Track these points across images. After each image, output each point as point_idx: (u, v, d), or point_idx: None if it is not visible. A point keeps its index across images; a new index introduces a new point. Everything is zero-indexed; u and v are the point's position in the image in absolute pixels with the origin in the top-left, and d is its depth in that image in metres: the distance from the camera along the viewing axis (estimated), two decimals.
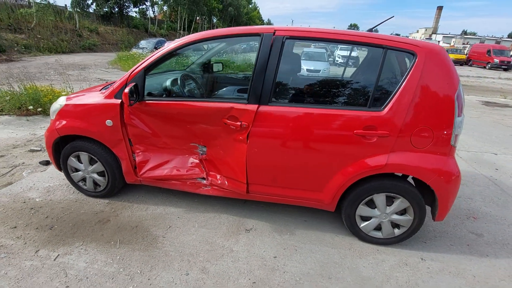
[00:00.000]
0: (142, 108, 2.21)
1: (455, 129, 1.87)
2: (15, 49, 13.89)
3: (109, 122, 2.27)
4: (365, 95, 1.98)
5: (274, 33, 1.94)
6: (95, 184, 2.57)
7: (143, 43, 16.74)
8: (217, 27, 38.21)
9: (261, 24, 58.06)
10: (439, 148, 1.91)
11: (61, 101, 2.43)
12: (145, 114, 2.25)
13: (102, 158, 2.41)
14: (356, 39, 1.91)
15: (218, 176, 2.34)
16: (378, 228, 2.18)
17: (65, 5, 19.01)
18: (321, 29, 1.98)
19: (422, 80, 1.83)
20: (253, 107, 1.98)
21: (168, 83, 2.35)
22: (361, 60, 2.56)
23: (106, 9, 22.47)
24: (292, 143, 2.01)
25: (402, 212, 2.09)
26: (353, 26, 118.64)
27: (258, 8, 54.93)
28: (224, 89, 3.08)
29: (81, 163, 2.50)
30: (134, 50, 15.28)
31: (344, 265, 2.01)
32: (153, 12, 26.90)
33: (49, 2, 17.62)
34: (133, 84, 2.07)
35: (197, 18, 29.22)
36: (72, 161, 2.51)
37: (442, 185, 1.92)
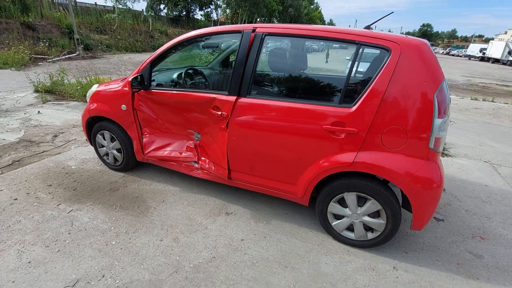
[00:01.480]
0: (148, 96, 2.57)
1: (434, 131, 1.74)
2: (99, 47, 16.44)
3: (123, 107, 2.69)
4: (337, 91, 1.98)
5: (254, 30, 2.08)
6: (115, 159, 3.06)
7: None
8: None
9: (321, 25, 56.90)
10: (414, 151, 1.80)
11: (94, 88, 2.96)
12: (150, 102, 2.60)
13: (119, 137, 2.87)
14: (330, 35, 1.92)
15: (207, 161, 2.57)
16: (352, 228, 2.14)
17: (142, 9, 21.62)
18: (297, 25, 2.04)
19: (395, 77, 1.75)
20: (232, 98, 2.15)
21: (171, 75, 2.68)
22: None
23: (176, 13, 24.87)
24: (267, 134, 2.12)
25: (376, 215, 2.01)
26: (426, 26, 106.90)
27: (320, 9, 53.74)
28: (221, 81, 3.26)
29: (105, 140, 3.01)
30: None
31: (306, 258, 2.04)
32: (217, 14, 28.73)
33: (129, 8, 20.25)
34: (138, 75, 2.44)
35: (257, 19, 30.09)
36: (99, 138, 3.03)
37: (416, 190, 1.81)
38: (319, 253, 2.10)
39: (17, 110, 5.33)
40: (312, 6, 49.20)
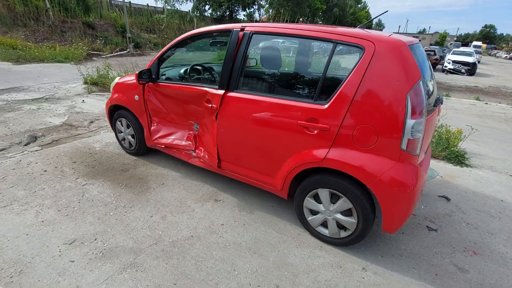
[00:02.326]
0: (156, 88, 2.86)
1: (406, 132, 1.71)
2: (147, 46, 17.82)
3: (136, 97, 3.02)
4: (313, 89, 2.02)
5: (242, 29, 2.22)
6: (130, 144, 3.43)
7: None
8: None
9: (369, 25, 54.05)
10: (385, 151, 1.78)
11: (116, 80, 3.35)
12: (157, 93, 2.89)
13: (133, 124, 3.21)
14: (308, 34, 1.97)
15: (202, 150, 2.78)
16: (327, 225, 2.16)
17: (188, 10, 22.90)
18: (282, 24, 2.12)
19: (367, 76, 1.75)
20: (221, 92, 2.31)
21: (176, 70, 2.93)
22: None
23: (220, 13, 25.83)
24: (250, 127, 2.24)
25: (348, 213, 2.02)
26: (489, 28, 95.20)
27: (367, 8, 51.13)
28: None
29: (122, 126, 3.39)
30: None
31: (276, 248, 2.13)
32: (259, 15, 29.09)
33: (177, 9, 21.58)
34: (146, 69, 2.73)
35: (300, 19, 29.83)
36: (118, 124, 3.43)
37: (384, 191, 1.79)
38: (291, 245, 2.17)
39: (66, 98, 6.14)
40: (359, 5, 47.08)
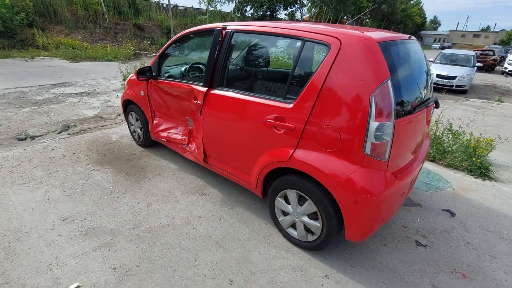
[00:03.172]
0: (156, 84, 3.05)
1: (369, 135, 1.61)
2: None
3: (141, 93, 3.26)
4: (283, 87, 1.98)
5: (224, 28, 2.26)
6: (138, 136, 3.71)
7: None
8: (364, 26, 36.01)
9: (421, 22, 49.72)
10: (348, 154, 1.69)
11: (129, 76, 3.65)
12: (158, 89, 3.08)
13: (140, 117, 3.47)
14: (280, 31, 1.94)
15: (194, 145, 2.89)
16: (296, 227, 2.12)
17: (230, 11, 23.52)
18: (260, 22, 2.12)
19: (332, 75, 1.68)
20: (204, 89, 2.40)
21: (175, 68, 3.08)
22: None
23: (261, 13, 26.02)
24: (228, 124, 2.29)
25: (314, 216, 1.95)
26: None
27: (421, 4, 46.92)
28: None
29: (133, 120, 3.68)
30: None
31: (243, 245, 2.15)
32: (301, 14, 28.64)
33: (219, 10, 22.33)
34: (146, 66, 2.93)
35: (344, 17, 28.67)
36: (130, 117, 3.73)
37: (345, 195, 1.70)
38: (259, 243, 2.17)
39: (104, 93, 6.80)
40: (411, 1, 43.44)
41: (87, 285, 1.77)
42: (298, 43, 1.88)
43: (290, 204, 2.07)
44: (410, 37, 2.02)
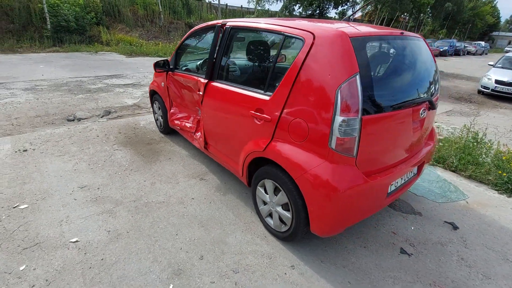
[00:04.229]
0: (172, 76, 3.35)
1: (334, 130, 1.62)
2: None
3: (162, 84, 3.60)
4: (265, 80, 2.05)
5: (224, 25, 2.41)
6: (160, 123, 4.08)
7: None
8: (424, 25, 32.99)
9: (494, 22, 43.74)
10: (315, 148, 1.72)
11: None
12: (174, 81, 3.37)
13: (161, 106, 3.83)
14: (266, 27, 2.01)
15: (199, 133, 3.12)
16: (272, 217, 2.19)
17: (278, 10, 23.65)
18: (254, 19, 2.21)
19: (304, 69, 1.72)
20: (205, 81, 2.59)
21: (191, 61, 3.33)
22: None
23: (310, 12, 25.65)
24: (222, 114, 2.45)
25: (287, 207, 2.01)
26: None
27: (494, 2, 41.01)
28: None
29: (156, 108, 4.06)
30: None
31: (223, 227, 2.29)
32: (352, 12, 27.46)
33: (267, 9, 22.61)
34: (163, 59, 3.23)
35: (401, 16, 26.71)
36: (154, 106, 4.12)
37: (309, 188, 1.73)
38: (238, 228, 2.29)
39: (147, 85, 7.49)
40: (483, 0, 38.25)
41: (83, 241, 2.09)
42: (280, 38, 1.94)
43: (268, 194, 2.15)
44: (402, 33, 1.93)
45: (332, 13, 26.94)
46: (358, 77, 1.57)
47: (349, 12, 27.66)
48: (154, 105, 4.11)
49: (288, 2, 23.24)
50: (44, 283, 1.76)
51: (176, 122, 3.53)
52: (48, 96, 5.90)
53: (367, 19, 28.36)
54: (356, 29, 1.73)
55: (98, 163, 3.20)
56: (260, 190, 2.22)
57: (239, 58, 2.44)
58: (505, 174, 2.94)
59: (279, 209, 2.05)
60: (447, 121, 5.81)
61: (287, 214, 1.99)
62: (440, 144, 3.78)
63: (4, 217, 2.30)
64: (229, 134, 2.43)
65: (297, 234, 1.96)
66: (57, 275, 1.81)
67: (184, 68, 3.35)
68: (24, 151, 3.40)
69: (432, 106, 2.01)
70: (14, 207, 2.42)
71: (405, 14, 26.42)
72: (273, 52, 1.98)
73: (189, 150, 3.63)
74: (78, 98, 5.88)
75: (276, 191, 2.07)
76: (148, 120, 4.70)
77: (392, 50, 1.84)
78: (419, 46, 2.09)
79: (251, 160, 2.20)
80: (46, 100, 5.60)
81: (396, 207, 2.66)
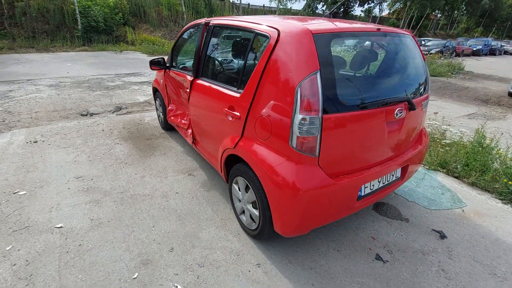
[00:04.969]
0: (169, 74, 3.44)
1: (294, 128, 1.59)
2: None
3: (161, 82, 3.72)
4: (239, 78, 2.04)
5: (207, 23, 2.44)
6: (161, 120, 4.21)
7: None
8: (458, 23, 30.89)
9: None
10: (277, 146, 1.70)
11: None
12: (170, 78, 3.47)
13: (161, 104, 3.95)
14: (241, 25, 2.01)
15: (190, 129, 3.18)
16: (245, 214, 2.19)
17: (301, 8, 23.35)
18: (234, 17, 2.21)
19: (268, 66, 1.70)
20: (191, 78, 2.64)
21: (185, 59, 3.40)
22: None
23: (334, 10, 25.06)
24: (203, 111, 2.50)
25: (256, 206, 2.00)
26: None
27: None
28: None
29: (157, 105, 4.19)
30: None
31: (199, 222, 2.33)
32: (379, 10, 26.40)
33: (290, 8, 22.42)
34: (159, 57, 3.33)
35: (431, 13, 25.25)
36: (156, 103, 4.26)
37: (270, 186, 1.72)
38: (213, 224, 2.32)
39: None
40: None
41: (67, 227, 2.23)
42: (252, 35, 1.94)
43: (240, 191, 2.16)
44: (378, 29, 1.83)
45: (358, 11, 26.06)
46: (318, 74, 1.53)
47: (376, 10, 26.67)
48: (156, 102, 4.25)
49: (311, 0, 22.88)
50: (24, 263, 1.90)
51: (173, 118, 3.62)
52: (69, 92, 6.30)
53: (395, 17, 27.14)
54: (325, 25, 1.68)
55: (97, 156, 3.38)
56: (235, 187, 2.23)
57: (222, 56, 2.46)
58: (510, 183, 2.70)
59: (250, 207, 2.05)
60: (465, 124, 5.43)
61: (256, 212, 1.98)
62: (447, 148, 3.55)
63: (3, 201, 2.50)
64: (210, 130, 2.46)
65: (264, 232, 1.95)
66: (36, 257, 1.95)
67: (178, 66, 3.44)
68: (34, 142, 3.67)
69: (412, 107, 1.90)
70: (14, 193, 2.62)
71: (436, 11, 24.91)
72: (251, 50, 1.97)
73: (185, 147, 3.71)
74: (95, 95, 6.23)
75: (247, 188, 2.06)
76: (153, 116, 4.87)
77: (364, 47, 1.76)
78: (403, 43, 1.99)
79: (226, 157, 2.21)
80: (66, 96, 5.99)
81: (382, 211, 2.54)
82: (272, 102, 1.69)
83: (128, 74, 8.72)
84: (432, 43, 19.49)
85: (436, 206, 2.61)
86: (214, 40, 2.42)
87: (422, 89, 2.09)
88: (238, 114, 1.94)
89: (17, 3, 13.33)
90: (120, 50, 13.80)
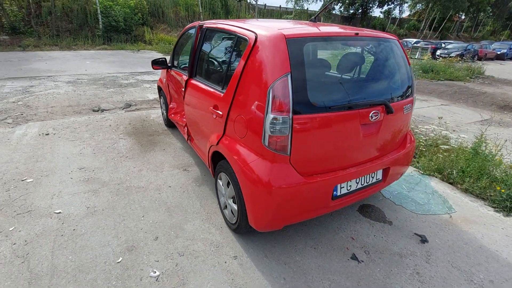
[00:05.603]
0: (170, 73, 3.60)
1: (266, 128, 1.67)
2: None
3: (164, 80, 3.88)
4: (223, 78, 2.13)
5: (201, 26, 2.56)
6: (164, 117, 4.39)
7: None
8: (483, 26, 29.55)
9: None
10: (252, 144, 1.79)
11: None
12: (171, 78, 3.62)
13: (164, 102, 4.12)
14: (226, 28, 2.10)
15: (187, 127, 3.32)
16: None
17: (318, 9, 23.18)
18: (226, 20, 2.31)
19: (246, 67, 1.79)
20: (186, 77, 2.77)
21: (181, 60, 3.53)
22: None
23: (352, 11, 24.67)
24: (195, 110, 2.61)
25: (235, 201, 2.09)
26: None
27: None
28: None
29: (161, 103, 4.37)
30: None
31: (186, 215, 2.45)
32: (400, 11, 25.69)
33: (306, 8, 22.33)
34: (160, 57, 3.49)
35: (455, 15, 24.29)
36: (160, 101, 4.44)
37: (244, 182, 1.81)
38: (199, 217, 2.43)
39: None
40: None
41: (65, 213, 2.41)
42: (235, 38, 2.03)
43: (223, 187, 2.26)
44: (357, 34, 1.87)
45: (377, 12, 25.54)
46: (289, 77, 1.60)
47: (396, 11, 26.00)
48: (160, 99, 4.43)
49: (327, 1, 22.65)
50: (23, 243, 2.09)
51: (173, 116, 3.78)
52: (84, 89, 6.64)
53: (415, 18, 26.30)
54: (301, 30, 1.75)
55: (101, 149, 3.59)
56: (219, 182, 2.33)
57: (211, 58, 2.57)
58: (503, 190, 2.63)
59: (230, 201, 2.14)
60: (473, 130, 5.27)
61: (235, 207, 2.07)
62: (445, 154, 3.49)
63: (12, 187, 2.74)
64: (200, 128, 2.58)
65: (242, 226, 2.04)
66: (35, 238, 2.14)
67: (177, 65, 3.59)
68: (46, 135, 3.94)
69: (389, 110, 1.92)
70: (23, 180, 2.85)
71: (460, 13, 23.94)
72: (234, 52, 2.07)
73: (184, 143, 3.86)
74: (109, 92, 6.53)
75: (229, 184, 2.16)
76: (158, 114, 5.06)
77: (340, 51, 1.81)
78: (384, 48, 2.01)
79: (212, 154, 2.32)
80: (81, 92, 6.32)
81: (367, 213, 2.56)
82: (248, 102, 1.77)
83: (142, 72, 9.04)
84: (453, 46, 18.78)
85: (423, 211, 2.60)
86: (206, 42, 2.54)
87: (404, 93, 2.10)
88: (220, 112, 2.04)
89: (43, 3, 14.11)
90: (138, 49, 14.29)
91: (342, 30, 1.89)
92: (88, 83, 7.23)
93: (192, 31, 2.98)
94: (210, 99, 2.24)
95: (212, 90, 2.24)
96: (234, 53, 2.03)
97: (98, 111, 5.21)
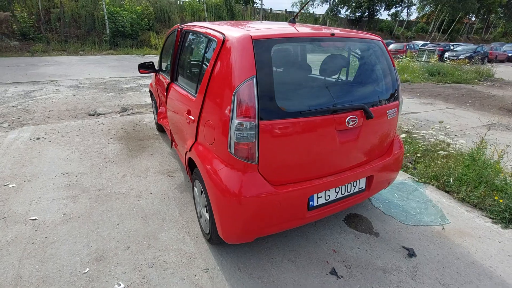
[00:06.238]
0: (157, 77, 3.55)
1: (231, 134, 1.57)
2: None
3: (154, 85, 3.84)
4: (196, 82, 2.05)
5: (181, 29, 2.50)
6: (156, 121, 4.34)
7: None
8: (494, 27, 28.77)
9: None
10: (218, 152, 1.70)
11: None
12: (158, 81, 3.58)
13: (154, 106, 4.08)
14: (201, 30, 2.03)
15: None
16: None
17: (324, 13, 23.07)
18: (201, 23, 2.24)
19: (214, 70, 1.71)
20: (168, 82, 2.71)
21: (167, 64, 3.48)
22: None
23: (359, 14, 24.42)
24: (175, 114, 2.54)
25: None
26: None
27: None
28: None
29: (152, 107, 4.34)
30: None
31: (162, 223, 2.36)
32: (407, 13, 25.29)
33: (312, 12, 22.26)
34: (147, 61, 3.45)
35: (464, 17, 23.73)
36: (152, 105, 4.41)
37: (212, 192, 1.71)
38: (175, 226, 2.34)
39: None
40: None
41: (40, 220, 2.36)
42: (206, 40, 1.95)
43: (197, 194, 2.16)
44: (333, 35, 1.76)
45: (384, 15, 25.24)
46: (254, 80, 1.51)
47: (404, 14, 25.61)
48: (152, 103, 4.39)
49: (334, 4, 22.50)
50: None
51: (161, 120, 3.72)
52: (84, 93, 6.70)
53: (424, 20, 25.80)
54: (270, 31, 1.65)
55: (88, 154, 3.56)
56: (195, 190, 2.24)
57: (188, 61, 2.50)
58: (501, 201, 2.45)
59: (204, 210, 2.05)
60: (475, 135, 5.03)
61: (207, 216, 1.98)
62: (443, 160, 3.32)
63: None
64: (179, 133, 2.50)
65: (213, 237, 1.94)
66: (5, 245, 2.09)
67: (163, 69, 3.55)
68: (37, 139, 3.94)
69: (368, 115, 1.80)
70: (5, 185, 2.83)
71: (470, 14, 23.38)
72: (205, 54, 1.99)
73: (173, 148, 3.80)
74: (108, 96, 6.57)
75: (202, 192, 2.07)
76: (152, 118, 5.03)
77: (319, 54, 1.71)
78: (365, 49, 1.90)
79: (188, 160, 2.23)
80: (80, 97, 6.38)
81: (353, 224, 2.42)
82: (216, 106, 1.69)
83: (143, 76, 9.09)
84: (462, 48, 18.30)
85: (414, 222, 2.44)
86: (184, 45, 2.47)
87: (387, 97, 1.97)
88: (192, 118, 1.96)
89: (53, 10, 14.48)
90: (143, 54, 14.47)
91: (316, 31, 1.78)
92: (89, 88, 7.30)
93: (174, 34, 2.93)
94: (185, 104, 2.17)
95: (186, 93, 2.17)
96: (206, 55, 1.95)
97: (94, 115, 5.22)
